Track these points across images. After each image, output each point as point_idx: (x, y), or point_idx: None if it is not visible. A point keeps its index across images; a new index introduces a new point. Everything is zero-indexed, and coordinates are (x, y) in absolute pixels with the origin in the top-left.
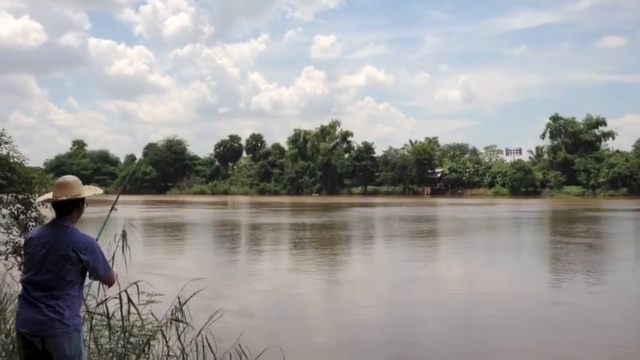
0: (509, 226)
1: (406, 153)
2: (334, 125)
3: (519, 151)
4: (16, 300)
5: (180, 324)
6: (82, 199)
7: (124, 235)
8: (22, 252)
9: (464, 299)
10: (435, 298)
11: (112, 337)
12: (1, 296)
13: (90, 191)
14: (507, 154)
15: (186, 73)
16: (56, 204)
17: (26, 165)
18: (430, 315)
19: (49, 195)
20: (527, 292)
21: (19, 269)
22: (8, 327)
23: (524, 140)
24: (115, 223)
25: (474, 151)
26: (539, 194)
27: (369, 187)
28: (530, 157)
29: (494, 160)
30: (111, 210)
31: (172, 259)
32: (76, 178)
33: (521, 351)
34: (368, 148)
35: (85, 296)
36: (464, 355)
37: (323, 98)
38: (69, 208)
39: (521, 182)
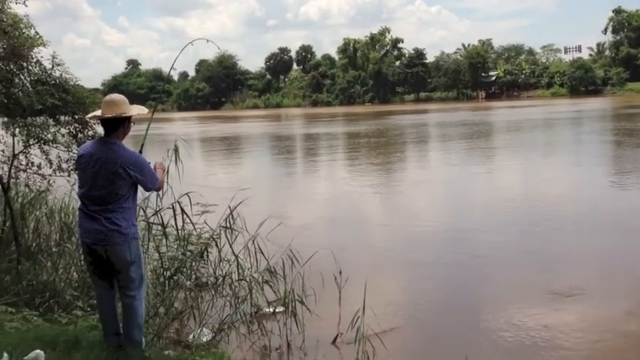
0: (568, 127)
1: (459, 57)
2: (384, 32)
3: (579, 49)
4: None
5: (234, 231)
6: (129, 118)
7: (176, 150)
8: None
9: (524, 204)
10: (493, 203)
11: (171, 245)
12: (70, 210)
13: (136, 110)
14: (566, 52)
15: None
16: (104, 121)
17: (82, 86)
18: (488, 220)
19: (98, 112)
20: (589, 195)
21: None
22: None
23: (584, 37)
24: (169, 139)
25: (531, 52)
26: (600, 93)
27: (422, 94)
28: (590, 55)
29: (551, 59)
30: (149, 125)
31: (228, 170)
32: (123, 96)
33: (584, 257)
34: (419, 54)
35: (145, 208)
36: (525, 263)
37: (372, 4)
38: (116, 125)
39: (580, 81)
